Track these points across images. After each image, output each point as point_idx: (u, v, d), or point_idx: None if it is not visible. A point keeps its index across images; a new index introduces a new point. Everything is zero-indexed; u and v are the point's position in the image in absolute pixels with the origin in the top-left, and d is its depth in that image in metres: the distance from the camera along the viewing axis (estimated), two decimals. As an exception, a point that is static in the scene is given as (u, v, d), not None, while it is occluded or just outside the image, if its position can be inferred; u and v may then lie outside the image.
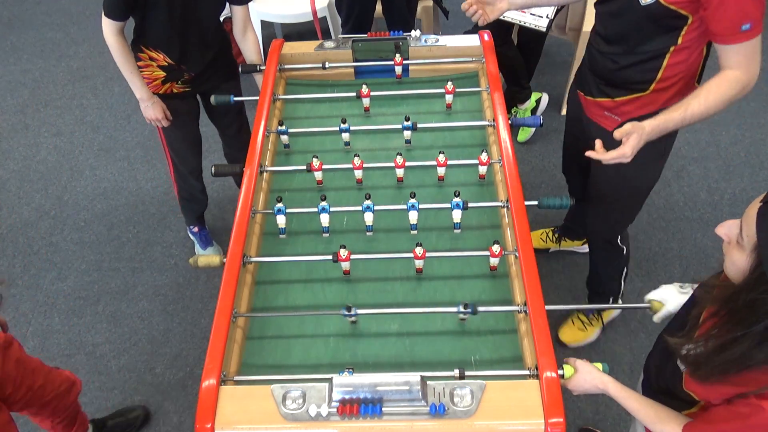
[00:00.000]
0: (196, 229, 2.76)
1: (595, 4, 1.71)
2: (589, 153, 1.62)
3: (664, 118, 1.55)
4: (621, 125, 1.67)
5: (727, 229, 1.08)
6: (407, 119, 1.84)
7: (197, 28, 2.06)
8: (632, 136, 1.53)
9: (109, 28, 1.98)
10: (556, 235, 2.66)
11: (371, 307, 1.49)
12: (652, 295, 1.50)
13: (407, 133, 1.88)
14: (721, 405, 1.11)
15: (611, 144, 1.75)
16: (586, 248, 2.53)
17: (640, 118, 1.63)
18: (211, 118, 2.47)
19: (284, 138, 1.88)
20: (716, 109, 1.53)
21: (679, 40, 1.57)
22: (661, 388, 1.31)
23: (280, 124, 1.86)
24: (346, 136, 1.89)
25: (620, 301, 2.37)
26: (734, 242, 1.06)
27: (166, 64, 2.10)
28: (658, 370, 1.34)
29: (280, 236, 1.68)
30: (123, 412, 2.24)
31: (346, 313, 1.42)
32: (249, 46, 2.23)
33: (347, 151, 1.91)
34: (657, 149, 1.76)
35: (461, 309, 1.42)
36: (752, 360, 1.02)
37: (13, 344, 1.63)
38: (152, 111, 2.16)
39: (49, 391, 1.75)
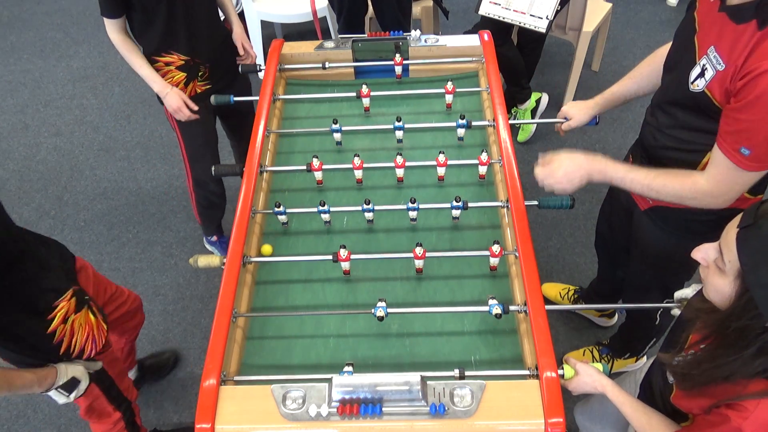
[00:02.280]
0: (215, 238, 2.75)
1: (664, 67, 1.57)
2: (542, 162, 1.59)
3: (607, 167, 1.48)
4: (652, 210, 1.64)
5: (704, 253, 1.06)
6: (462, 117, 1.82)
7: (189, 9, 2.04)
8: (549, 166, 1.54)
9: (109, 27, 2.01)
10: (575, 296, 2.49)
11: (371, 308, 1.50)
12: (682, 294, 1.49)
13: (461, 131, 1.86)
14: (700, 416, 1.12)
15: (641, 223, 1.70)
16: (600, 320, 2.47)
17: (670, 213, 1.58)
18: (224, 120, 2.49)
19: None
20: (659, 196, 1.43)
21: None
22: (662, 400, 1.32)
23: (335, 125, 1.84)
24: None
25: (639, 358, 2.27)
26: (713, 267, 1.04)
27: (182, 62, 2.10)
28: (659, 385, 1.35)
29: (283, 225, 1.69)
30: (155, 354, 2.43)
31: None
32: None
33: (343, 150, 1.91)
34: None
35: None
36: (737, 375, 1.02)
37: (85, 265, 1.76)
38: (171, 99, 2.12)
39: (119, 304, 1.91)
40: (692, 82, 1.35)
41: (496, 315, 1.38)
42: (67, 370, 1.52)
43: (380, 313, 1.39)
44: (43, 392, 1.49)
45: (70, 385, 1.52)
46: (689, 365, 1.11)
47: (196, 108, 2.17)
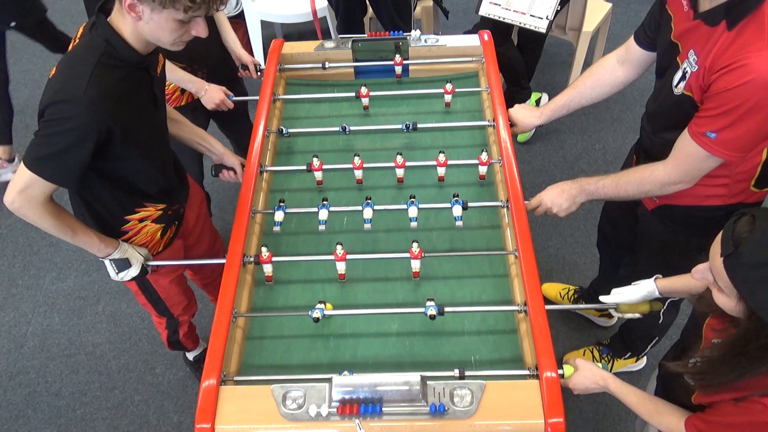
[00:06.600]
0: None
1: (656, 73, 1.61)
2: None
3: (582, 183, 1.59)
4: (659, 209, 1.64)
5: (701, 275, 1.07)
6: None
7: None
8: (540, 204, 1.64)
9: None
10: (575, 296, 2.47)
11: (371, 308, 1.50)
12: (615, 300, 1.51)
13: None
14: (728, 402, 1.11)
15: (649, 223, 1.71)
16: (600, 320, 2.45)
17: (678, 211, 1.60)
18: (222, 123, 2.47)
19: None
20: (627, 194, 1.52)
21: None
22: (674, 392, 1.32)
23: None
24: (344, 138, 1.86)
25: (639, 358, 2.28)
26: (715, 287, 1.04)
27: (180, 68, 2.08)
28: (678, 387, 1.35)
29: (275, 228, 1.64)
30: None
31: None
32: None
33: (344, 150, 1.91)
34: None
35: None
36: (759, 373, 1.04)
37: (198, 193, 1.91)
38: (213, 94, 2.08)
39: (212, 251, 2.06)
40: (675, 86, 1.42)
41: (430, 316, 1.39)
42: (127, 251, 1.60)
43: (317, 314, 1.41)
44: (99, 258, 1.59)
45: (122, 265, 1.61)
46: (707, 369, 1.11)
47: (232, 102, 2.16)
